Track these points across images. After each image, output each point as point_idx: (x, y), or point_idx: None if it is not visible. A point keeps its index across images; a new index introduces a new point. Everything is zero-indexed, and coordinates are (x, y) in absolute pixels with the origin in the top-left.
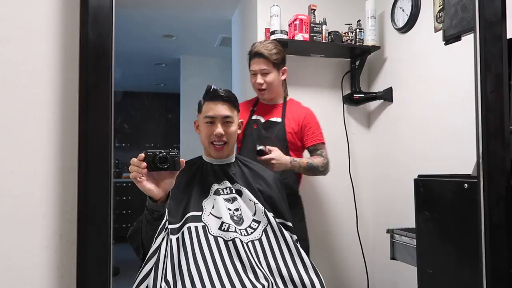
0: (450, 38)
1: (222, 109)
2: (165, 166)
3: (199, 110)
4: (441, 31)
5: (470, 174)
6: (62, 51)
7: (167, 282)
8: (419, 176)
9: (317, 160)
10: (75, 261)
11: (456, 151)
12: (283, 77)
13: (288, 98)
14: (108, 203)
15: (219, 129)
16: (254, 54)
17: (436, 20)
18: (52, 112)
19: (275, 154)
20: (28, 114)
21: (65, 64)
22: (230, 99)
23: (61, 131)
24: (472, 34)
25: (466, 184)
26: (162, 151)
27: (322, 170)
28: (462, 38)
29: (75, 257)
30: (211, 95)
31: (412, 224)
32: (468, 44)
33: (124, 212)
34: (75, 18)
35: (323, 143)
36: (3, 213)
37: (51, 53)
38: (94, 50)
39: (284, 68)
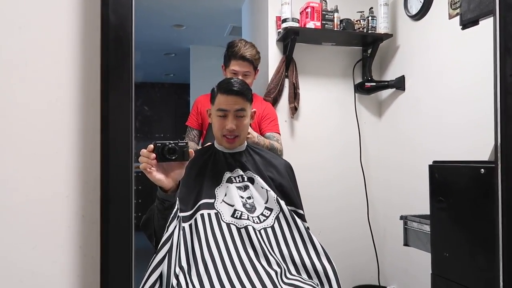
0: (468, 23)
1: (235, 103)
2: (174, 157)
3: (212, 101)
4: (455, 18)
5: (486, 160)
6: (82, 33)
7: (181, 267)
8: (434, 162)
9: (276, 144)
10: (97, 241)
11: (469, 140)
12: (255, 78)
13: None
14: (130, 182)
15: (231, 124)
16: (239, 57)
17: (451, 7)
18: (74, 93)
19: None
20: (50, 96)
21: (86, 46)
22: (243, 92)
23: (82, 112)
24: (489, 20)
25: (482, 169)
26: (171, 142)
27: (279, 154)
28: (479, 22)
29: (97, 237)
30: (225, 88)
31: (423, 212)
32: (482, 31)
33: (135, 201)
34: (96, 1)
35: (279, 133)
36: (28, 194)
37: (72, 35)
38: (115, 32)
39: (257, 69)
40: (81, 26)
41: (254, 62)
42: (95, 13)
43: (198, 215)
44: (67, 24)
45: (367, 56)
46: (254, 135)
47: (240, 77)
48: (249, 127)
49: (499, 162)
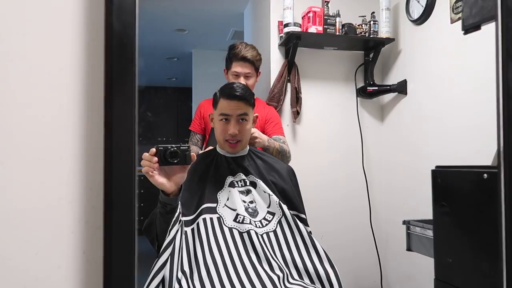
0: (470, 28)
1: (237, 107)
2: (176, 161)
3: (215, 105)
4: (457, 23)
5: (489, 165)
6: (86, 40)
7: (183, 272)
8: (436, 167)
9: (285, 146)
10: (100, 246)
11: (472, 145)
12: (257, 80)
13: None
14: (133, 188)
15: (233, 129)
16: (240, 58)
17: (453, 11)
18: (78, 99)
19: (257, 132)
20: (54, 102)
21: (90, 53)
22: (246, 97)
23: (86, 119)
24: (491, 24)
25: (485, 174)
26: (173, 145)
27: (288, 156)
28: (481, 27)
29: (100, 242)
30: (228, 93)
31: (425, 216)
32: (484, 36)
33: (137, 205)
34: (100, 8)
35: (284, 136)
36: (31, 200)
37: (75, 42)
38: (119, 39)
39: (259, 71)
40: (85, 33)
41: (255, 63)
42: (99, 20)
43: (200, 220)
44: (71, 31)
45: (369, 61)
46: (264, 138)
47: (242, 79)
48: (258, 131)
49: (502, 168)
